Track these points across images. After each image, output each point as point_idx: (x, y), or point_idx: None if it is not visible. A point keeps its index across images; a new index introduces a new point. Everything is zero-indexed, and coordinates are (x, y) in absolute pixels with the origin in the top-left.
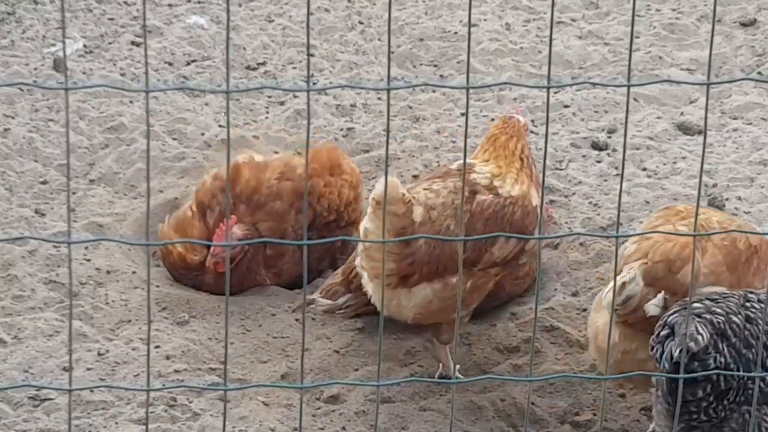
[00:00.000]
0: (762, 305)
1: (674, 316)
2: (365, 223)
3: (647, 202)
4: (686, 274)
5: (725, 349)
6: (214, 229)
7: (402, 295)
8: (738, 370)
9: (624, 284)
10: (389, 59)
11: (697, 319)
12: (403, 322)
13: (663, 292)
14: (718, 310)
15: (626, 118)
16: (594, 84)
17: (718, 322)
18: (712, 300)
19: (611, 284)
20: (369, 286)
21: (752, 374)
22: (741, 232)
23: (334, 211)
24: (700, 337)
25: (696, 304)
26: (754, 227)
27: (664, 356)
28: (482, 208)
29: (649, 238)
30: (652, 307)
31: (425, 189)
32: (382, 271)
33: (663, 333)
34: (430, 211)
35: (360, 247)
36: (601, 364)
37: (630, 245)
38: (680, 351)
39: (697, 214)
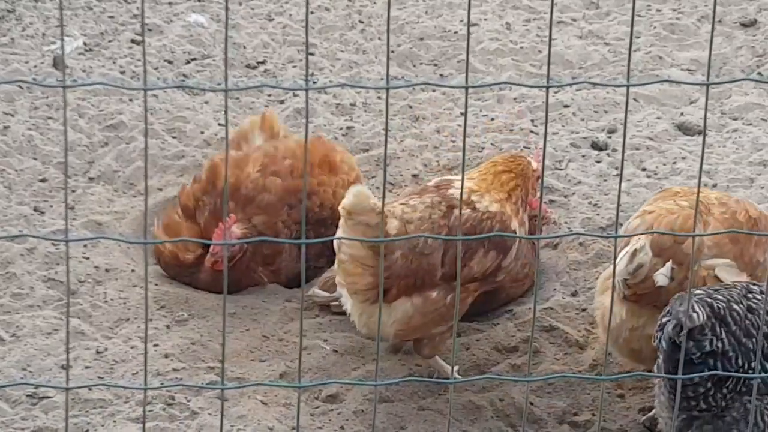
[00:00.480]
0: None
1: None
2: (339, 234)
3: None
4: (690, 245)
5: (723, 334)
6: (207, 229)
7: (382, 311)
8: (737, 359)
9: (635, 252)
10: (388, 58)
11: (695, 299)
12: (384, 340)
13: (671, 261)
14: (720, 297)
15: (625, 118)
16: (594, 84)
17: (718, 307)
18: (714, 289)
19: (620, 257)
20: (348, 304)
21: (750, 376)
22: (740, 232)
23: (328, 208)
24: (695, 315)
25: (698, 291)
26: (754, 203)
27: (662, 337)
28: (461, 222)
29: (652, 212)
30: (661, 276)
31: (402, 204)
32: (380, 273)
33: (664, 320)
34: (406, 225)
35: (336, 262)
36: (610, 344)
37: (634, 220)
38: (674, 327)
39: (696, 215)
